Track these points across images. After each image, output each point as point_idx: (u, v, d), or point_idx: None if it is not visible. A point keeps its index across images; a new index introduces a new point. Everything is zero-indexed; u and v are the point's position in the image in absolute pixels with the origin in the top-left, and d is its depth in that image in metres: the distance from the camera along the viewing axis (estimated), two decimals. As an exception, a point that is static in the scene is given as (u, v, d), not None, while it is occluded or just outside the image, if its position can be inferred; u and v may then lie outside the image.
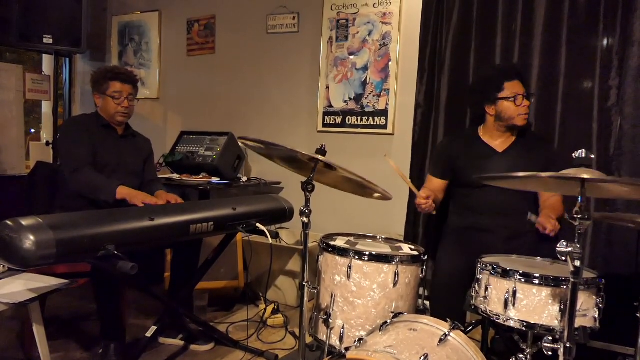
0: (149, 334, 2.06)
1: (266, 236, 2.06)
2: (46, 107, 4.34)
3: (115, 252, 1.54)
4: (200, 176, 3.20)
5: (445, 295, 2.08)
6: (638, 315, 1.51)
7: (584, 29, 2.44)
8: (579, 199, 1.25)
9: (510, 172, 1.68)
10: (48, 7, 3.46)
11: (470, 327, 2.18)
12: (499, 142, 2.30)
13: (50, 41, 3.45)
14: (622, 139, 2.35)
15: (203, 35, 3.79)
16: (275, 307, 2.69)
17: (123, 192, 2.13)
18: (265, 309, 2.68)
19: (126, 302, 2.38)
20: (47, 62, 4.27)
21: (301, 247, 1.72)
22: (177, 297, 2.25)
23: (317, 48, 3.29)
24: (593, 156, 1.25)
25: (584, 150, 1.24)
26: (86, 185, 2.18)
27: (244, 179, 3.38)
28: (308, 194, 1.68)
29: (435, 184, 2.37)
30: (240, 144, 3.29)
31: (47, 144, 3.74)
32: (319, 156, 1.62)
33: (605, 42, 2.41)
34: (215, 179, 3.14)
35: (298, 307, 1.82)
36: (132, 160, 2.43)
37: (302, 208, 1.68)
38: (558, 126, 2.51)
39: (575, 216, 1.24)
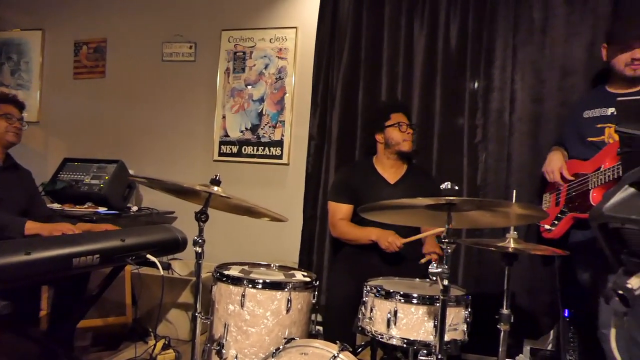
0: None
1: (157, 268, 2.00)
2: None
3: (-16, 291, 1.41)
4: (86, 206, 3.00)
5: (337, 318, 2.17)
6: (498, 326, 1.71)
7: (454, 75, 2.77)
8: (446, 225, 1.42)
9: None
10: None
11: (360, 349, 2.29)
12: (390, 173, 2.50)
13: None
14: (487, 172, 2.70)
15: (92, 59, 3.63)
16: (166, 342, 2.58)
17: (34, 227, 1.97)
18: (155, 345, 2.55)
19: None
20: None
21: (194, 278, 1.71)
22: (57, 338, 2.07)
23: (214, 78, 3.32)
24: (457, 187, 1.42)
25: (449, 182, 1.41)
26: None
27: (135, 208, 3.24)
28: (202, 223, 1.68)
29: (344, 210, 2.48)
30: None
31: None
32: (213, 187, 1.64)
33: (471, 86, 2.76)
34: (102, 209, 2.97)
35: (190, 340, 1.78)
36: (18, 195, 2.27)
37: (196, 238, 1.67)
38: (435, 160, 2.79)
39: (444, 240, 1.41)
